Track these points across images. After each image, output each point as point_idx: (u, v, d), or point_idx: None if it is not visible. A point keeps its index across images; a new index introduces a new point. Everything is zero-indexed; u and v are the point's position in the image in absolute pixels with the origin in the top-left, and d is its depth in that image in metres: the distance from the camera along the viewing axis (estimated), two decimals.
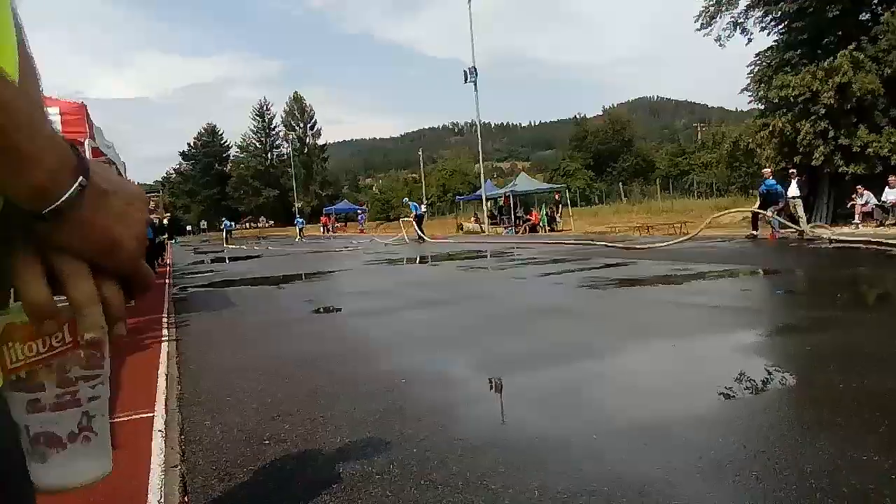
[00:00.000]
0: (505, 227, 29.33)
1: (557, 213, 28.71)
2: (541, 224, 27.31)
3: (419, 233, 25.78)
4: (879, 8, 18.93)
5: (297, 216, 54.63)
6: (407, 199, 33.84)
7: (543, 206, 29.43)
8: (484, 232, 29.69)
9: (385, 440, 3.02)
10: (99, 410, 0.64)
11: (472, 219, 34.43)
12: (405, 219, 28.49)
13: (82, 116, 6.86)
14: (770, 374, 3.83)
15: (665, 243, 14.21)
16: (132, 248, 0.62)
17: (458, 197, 46.69)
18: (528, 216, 28.56)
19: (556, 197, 29.88)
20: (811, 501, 2.13)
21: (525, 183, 32.50)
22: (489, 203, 31.61)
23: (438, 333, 5.89)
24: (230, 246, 33.96)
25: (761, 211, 15.77)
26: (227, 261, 21.06)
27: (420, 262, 15.35)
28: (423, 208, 30.02)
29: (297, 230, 47.39)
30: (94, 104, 7.79)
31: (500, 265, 12.77)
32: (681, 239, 14.69)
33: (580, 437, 2.92)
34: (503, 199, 31.11)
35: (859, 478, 2.28)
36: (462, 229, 33.04)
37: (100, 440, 0.64)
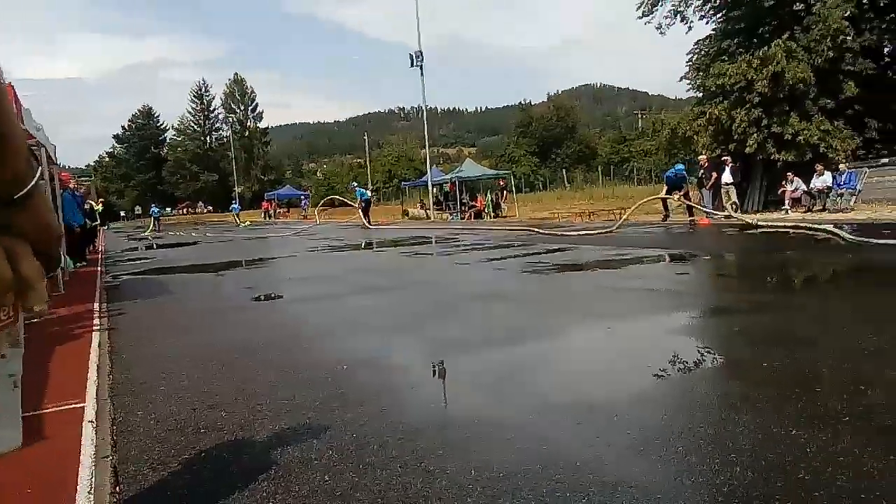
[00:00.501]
0: (451, 213, 29.41)
1: (503, 199, 28.94)
2: (486, 210, 27.50)
3: (364, 220, 25.64)
4: None
5: (234, 202, 53.76)
6: (355, 183, 33.46)
7: (489, 192, 29.62)
8: (430, 218, 29.70)
9: (325, 426, 3.00)
10: (13, 385, 0.68)
11: (418, 205, 34.39)
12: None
13: (10, 98, 6.49)
14: (700, 354, 3.98)
15: (584, 232, 14.53)
16: (58, 232, 0.72)
17: (403, 183, 46.49)
18: (474, 202, 28.71)
19: (502, 183, 30.11)
20: (731, 474, 2.23)
21: (471, 169, 32.61)
22: (435, 189, 31.61)
23: (381, 319, 5.88)
24: (157, 233, 32.27)
25: (668, 196, 16.50)
26: (164, 248, 20.44)
27: (364, 249, 15.25)
28: (370, 194, 29.76)
29: (234, 216, 46.53)
30: (23, 85, 7.41)
31: (445, 251, 12.82)
32: (605, 230, 15.02)
33: (518, 418, 2.97)
34: (449, 185, 31.16)
35: (777, 451, 2.40)
36: (408, 215, 32.96)
37: (10, 413, 0.67)
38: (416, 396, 3.51)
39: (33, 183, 0.64)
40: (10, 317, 0.66)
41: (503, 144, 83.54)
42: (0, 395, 0.68)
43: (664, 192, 17.36)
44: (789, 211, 17.20)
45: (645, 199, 18.52)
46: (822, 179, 17.01)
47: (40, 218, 0.67)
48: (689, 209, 16.73)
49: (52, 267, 0.72)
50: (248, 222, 41.10)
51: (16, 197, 0.63)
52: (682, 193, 16.92)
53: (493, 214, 27.27)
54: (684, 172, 17.34)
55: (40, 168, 0.66)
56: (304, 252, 14.74)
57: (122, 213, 67.75)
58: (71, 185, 13.24)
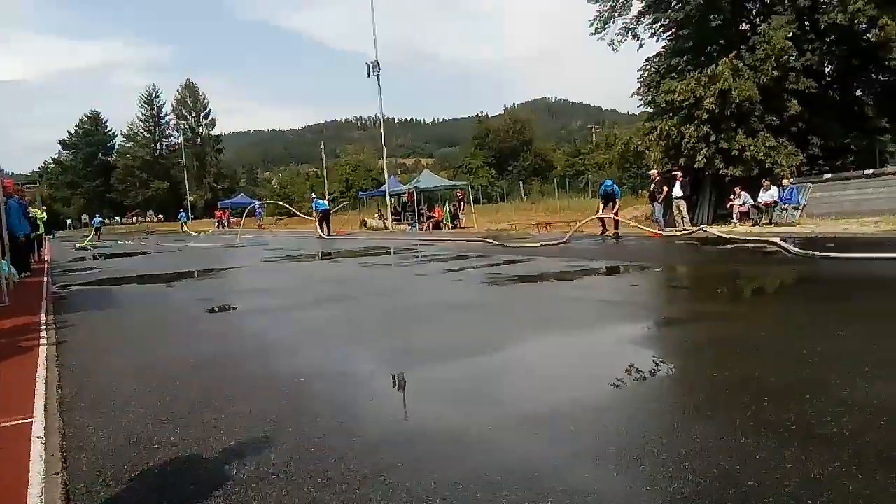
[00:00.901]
0: (409, 224, 29.41)
1: (461, 209, 29.09)
2: (444, 221, 27.60)
3: (320, 230, 25.49)
4: (757, 19, 20.44)
5: (181, 210, 53.20)
6: (314, 194, 33.12)
7: (447, 202, 29.74)
8: (388, 228, 29.63)
9: (282, 440, 2.97)
10: None
11: (376, 215, 34.29)
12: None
13: None
14: (654, 364, 4.09)
15: (539, 243, 14.76)
16: None
17: (361, 193, 46.25)
18: (432, 213, 28.78)
19: (460, 194, 30.27)
20: (684, 481, 2.31)
21: (429, 179, 32.72)
22: (393, 199, 31.57)
23: (339, 331, 5.85)
24: (98, 244, 31.25)
25: (601, 216, 17.67)
26: (113, 258, 19.87)
27: (322, 259, 15.13)
28: (328, 204, 29.49)
29: (182, 224, 45.86)
30: None
31: (404, 262, 12.82)
32: (558, 241, 15.27)
33: (477, 430, 3.00)
34: (407, 195, 31.17)
35: (728, 458, 2.48)
36: (366, 225, 32.81)
37: None
38: (376, 409, 3.51)
39: None
40: None
41: (460, 155, 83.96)
42: None
43: (601, 208, 18.09)
44: (737, 224, 17.75)
45: (589, 217, 18.90)
46: (770, 194, 17.62)
47: None
48: (616, 223, 17.52)
49: None
50: (209, 231, 40.26)
51: None
52: (615, 209, 17.78)
53: (451, 225, 27.38)
54: (615, 188, 18.27)
55: None
56: (259, 262, 14.53)
57: (69, 222, 65.54)
58: (16, 194, 12.77)
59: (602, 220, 17.78)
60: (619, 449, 2.63)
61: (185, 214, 52.35)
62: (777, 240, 11.24)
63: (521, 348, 4.88)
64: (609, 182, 18.59)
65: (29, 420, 3.34)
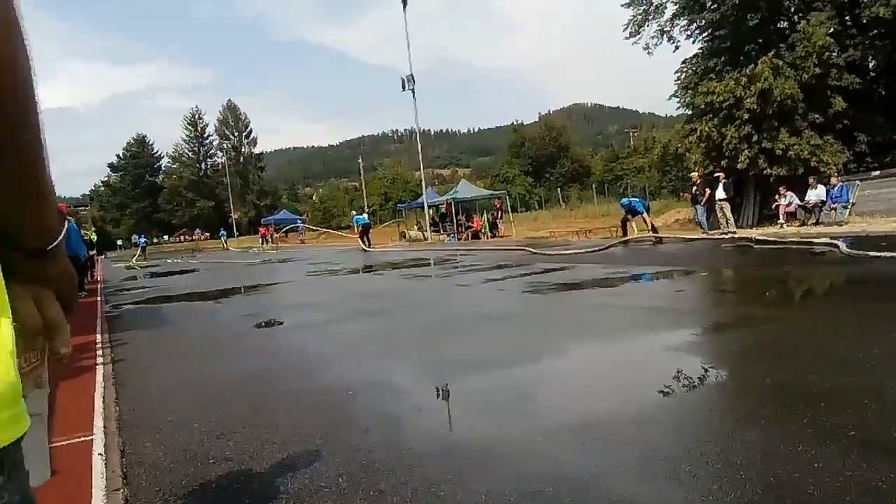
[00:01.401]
0: (447, 235, 29.49)
1: (499, 219, 29.06)
2: (483, 230, 27.60)
3: (362, 244, 25.81)
4: (796, 17, 20.00)
5: (222, 229, 55.25)
6: (353, 211, 33.61)
7: (485, 212, 29.74)
8: (427, 239, 29.76)
9: (332, 453, 3.02)
10: (39, 424, 0.72)
11: (415, 226, 34.48)
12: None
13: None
14: (703, 371, 4.01)
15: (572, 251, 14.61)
16: (75, 276, 0.76)
17: (399, 205, 46.63)
18: (471, 223, 28.81)
19: (498, 203, 30.24)
20: (741, 492, 2.26)
21: (466, 189, 32.79)
22: (431, 210, 31.73)
23: (383, 343, 5.91)
24: (143, 263, 31.92)
25: (629, 230, 18.41)
26: (162, 276, 20.42)
27: (363, 272, 15.28)
28: (367, 218, 29.70)
29: (223, 241, 47.55)
30: None
31: (444, 272, 12.86)
32: (600, 248, 15.13)
33: (525, 440, 3.00)
34: (445, 206, 31.28)
35: (786, 467, 2.42)
36: (405, 237, 33.03)
37: (40, 450, 0.72)
38: (423, 421, 3.53)
39: (62, 235, 0.69)
40: (37, 359, 0.70)
41: (496, 164, 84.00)
42: (32, 433, 0.72)
43: (630, 223, 18.75)
44: (784, 225, 17.32)
45: (627, 238, 18.87)
46: (816, 193, 17.15)
47: (63, 266, 0.71)
48: (624, 230, 18.48)
49: (72, 309, 0.76)
50: (257, 247, 41.05)
51: (48, 249, 0.67)
52: (633, 218, 18.41)
53: (490, 234, 27.36)
54: (631, 204, 18.74)
55: (66, 221, 0.71)
56: (303, 277, 14.76)
57: (119, 242, 67.68)
58: (70, 217, 13.28)
59: (625, 227, 18.61)
60: (671, 458, 2.59)
61: (225, 232, 54.19)
62: (827, 239, 10.93)
63: (566, 357, 4.85)
64: (625, 200, 19.54)
65: (89, 437, 3.47)
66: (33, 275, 0.67)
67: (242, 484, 2.79)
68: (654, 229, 17.81)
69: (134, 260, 34.54)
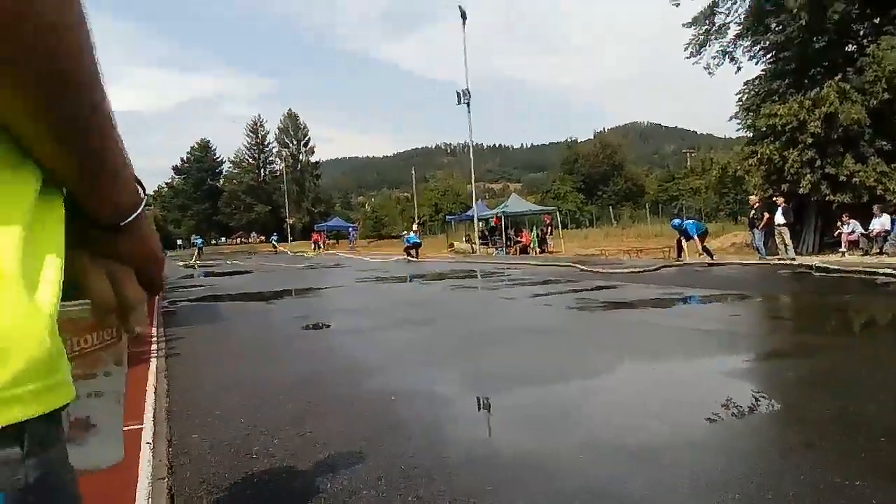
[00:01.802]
0: (496, 248, 29.43)
1: (549, 234, 28.84)
2: (532, 245, 27.43)
3: (407, 255, 26.07)
4: (865, 41, 19.32)
5: (274, 233, 57.83)
6: (405, 232, 33.92)
7: (535, 227, 29.57)
8: (475, 252, 29.75)
9: (374, 456, 3.04)
10: (115, 402, 0.73)
11: (464, 239, 34.51)
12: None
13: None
14: (755, 398, 3.89)
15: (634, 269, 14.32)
16: (162, 259, 0.74)
17: (448, 217, 46.76)
18: (519, 237, 28.69)
19: (547, 219, 30.04)
20: None
21: (516, 204, 32.68)
22: (480, 223, 31.72)
23: (428, 352, 5.92)
24: (200, 263, 32.70)
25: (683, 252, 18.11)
26: (219, 276, 20.98)
27: (410, 281, 15.37)
28: (418, 238, 29.46)
29: (273, 245, 49.62)
30: None
31: (491, 285, 12.82)
32: (651, 268, 14.83)
33: (566, 456, 2.95)
34: (494, 219, 31.23)
35: (839, 501, 2.32)
36: (453, 248, 33.11)
37: (113, 429, 0.73)
38: (464, 430, 3.52)
39: (139, 211, 0.67)
40: (113, 337, 0.70)
41: (548, 181, 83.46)
42: (107, 411, 0.72)
43: (684, 243, 18.46)
44: (846, 254, 16.66)
45: (681, 262, 18.65)
46: (881, 222, 16.46)
47: (144, 245, 0.69)
48: (706, 250, 17.76)
49: (155, 291, 0.74)
50: (308, 253, 41.87)
51: (122, 224, 0.65)
52: (699, 240, 17.84)
53: (538, 250, 27.17)
54: (686, 225, 18.42)
55: (146, 197, 0.69)
56: (353, 283, 14.95)
57: (179, 242, 69.91)
58: None
59: (679, 248, 18.25)
60: (720, 486, 2.51)
61: (276, 235, 57.11)
62: (890, 269, 10.46)
63: (612, 376, 4.76)
64: (676, 221, 19.30)
65: (139, 426, 3.58)
66: (109, 251, 0.66)
67: (283, 481, 2.84)
68: (708, 253, 17.40)
69: (193, 260, 35.68)
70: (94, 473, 0.72)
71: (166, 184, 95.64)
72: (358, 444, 3.22)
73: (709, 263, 15.88)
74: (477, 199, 34.71)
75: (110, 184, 0.63)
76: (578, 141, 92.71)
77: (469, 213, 34.20)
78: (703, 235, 18.09)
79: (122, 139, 0.64)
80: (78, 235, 0.64)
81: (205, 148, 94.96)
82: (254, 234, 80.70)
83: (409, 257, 25.89)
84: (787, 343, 5.82)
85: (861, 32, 19.84)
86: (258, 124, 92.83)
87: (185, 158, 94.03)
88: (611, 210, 53.17)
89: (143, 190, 0.70)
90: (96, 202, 0.64)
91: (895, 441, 2.93)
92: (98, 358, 0.70)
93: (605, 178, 71.03)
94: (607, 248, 27.12)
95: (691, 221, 18.89)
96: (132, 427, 3.57)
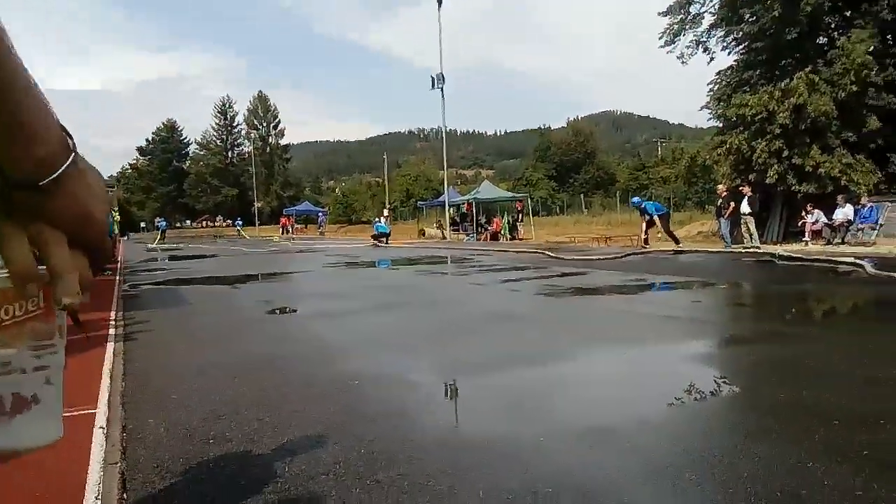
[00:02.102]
0: (467, 234, 29.45)
1: (519, 221, 28.95)
2: (502, 232, 27.51)
3: (376, 241, 25.97)
4: (836, 33, 19.66)
5: (238, 217, 57.56)
6: (376, 219, 33.73)
7: (506, 214, 29.65)
8: (445, 238, 29.73)
9: (333, 441, 2.99)
10: (46, 379, 0.66)
11: (435, 224, 34.48)
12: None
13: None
14: (715, 382, 3.92)
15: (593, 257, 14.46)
16: (102, 222, 0.67)
17: (420, 202, 46.66)
18: (490, 224, 28.75)
19: (519, 206, 30.13)
20: (746, 503, 2.19)
21: (488, 191, 32.74)
22: (452, 209, 31.69)
23: (395, 336, 5.87)
24: (162, 245, 32.57)
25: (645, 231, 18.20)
26: (182, 259, 20.62)
27: (379, 267, 15.29)
28: (387, 227, 29.31)
29: (237, 230, 49.41)
30: (58, 95, 7.58)
31: (460, 271, 12.81)
32: (618, 255, 14.98)
33: (529, 440, 2.94)
34: (466, 205, 31.24)
35: (793, 482, 2.34)
36: (424, 235, 33.05)
37: (47, 407, 0.66)
38: (427, 415, 3.48)
39: (62, 169, 0.60)
40: (39, 307, 0.63)
41: (521, 168, 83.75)
42: (42, 386, 0.66)
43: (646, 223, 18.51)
44: (809, 243, 17.03)
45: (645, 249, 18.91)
46: (844, 212, 16.85)
47: (76, 206, 0.62)
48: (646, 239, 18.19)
49: (99, 261, 0.68)
50: (275, 237, 41.44)
51: (41, 183, 0.58)
52: (661, 223, 18.05)
53: (509, 237, 27.26)
54: (645, 204, 18.47)
55: (73, 154, 0.62)
56: (320, 268, 14.81)
57: (142, 224, 68.65)
58: None
59: (647, 235, 18.30)
60: (677, 468, 2.52)
61: (240, 220, 56.95)
62: (852, 258, 10.70)
63: (577, 361, 4.77)
64: (636, 199, 19.49)
65: (93, 411, 3.47)
66: (31, 212, 0.59)
67: (240, 465, 2.77)
68: (675, 239, 17.62)
69: (156, 243, 35.07)
70: (30, 454, 0.65)
71: (130, 165, 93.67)
72: (318, 429, 3.16)
73: (674, 251, 16.08)
74: (449, 186, 34.67)
75: (21, 136, 0.56)
76: (551, 129, 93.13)
77: (441, 199, 34.13)
78: (665, 218, 18.19)
79: (35, 82, 0.57)
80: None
81: (171, 129, 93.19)
82: (220, 217, 79.55)
83: (377, 243, 25.78)
84: (748, 330, 5.91)
85: (832, 25, 20.22)
86: (227, 105, 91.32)
87: (150, 139, 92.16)
88: (582, 198, 53.59)
89: (73, 142, 0.63)
90: (9, 156, 0.56)
91: (848, 424, 2.98)
92: (23, 330, 0.63)
93: (577, 166, 71.57)
94: (577, 235, 27.32)
95: (651, 202, 19.08)
96: (86, 411, 3.47)
